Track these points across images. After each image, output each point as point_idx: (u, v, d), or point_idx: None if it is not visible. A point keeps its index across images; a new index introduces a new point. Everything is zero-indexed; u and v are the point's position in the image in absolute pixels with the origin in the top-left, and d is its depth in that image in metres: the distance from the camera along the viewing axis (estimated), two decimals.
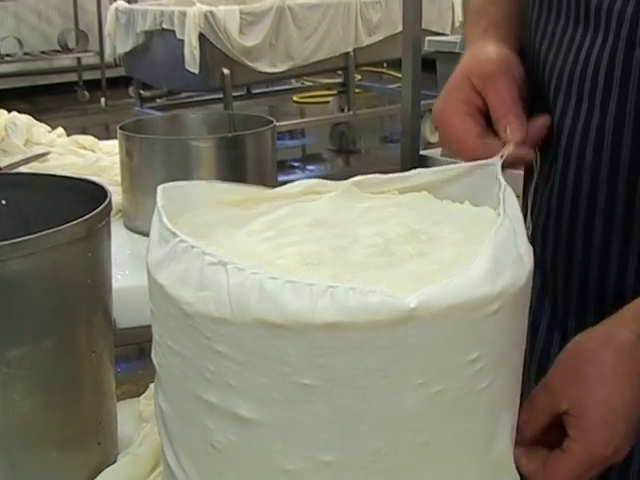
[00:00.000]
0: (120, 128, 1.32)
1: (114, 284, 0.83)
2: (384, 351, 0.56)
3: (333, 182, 0.79)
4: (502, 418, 0.64)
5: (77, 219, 0.73)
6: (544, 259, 0.86)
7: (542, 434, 0.69)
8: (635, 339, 0.69)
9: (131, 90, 6.33)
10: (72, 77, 7.09)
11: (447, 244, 0.68)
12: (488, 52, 0.83)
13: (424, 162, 3.17)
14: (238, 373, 0.58)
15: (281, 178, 1.43)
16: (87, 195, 0.82)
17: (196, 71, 4.86)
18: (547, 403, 0.69)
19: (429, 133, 4.85)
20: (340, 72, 5.58)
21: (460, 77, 0.82)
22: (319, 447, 0.58)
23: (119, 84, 6.77)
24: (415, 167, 0.82)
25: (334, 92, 5.85)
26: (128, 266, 1.15)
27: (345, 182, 0.79)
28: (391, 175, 0.80)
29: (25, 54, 6.73)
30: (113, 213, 0.82)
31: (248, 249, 0.67)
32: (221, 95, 4.94)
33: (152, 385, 0.92)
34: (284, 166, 4.99)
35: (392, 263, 0.65)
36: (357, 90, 5.57)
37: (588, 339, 0.70)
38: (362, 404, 0.57)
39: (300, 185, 0.78)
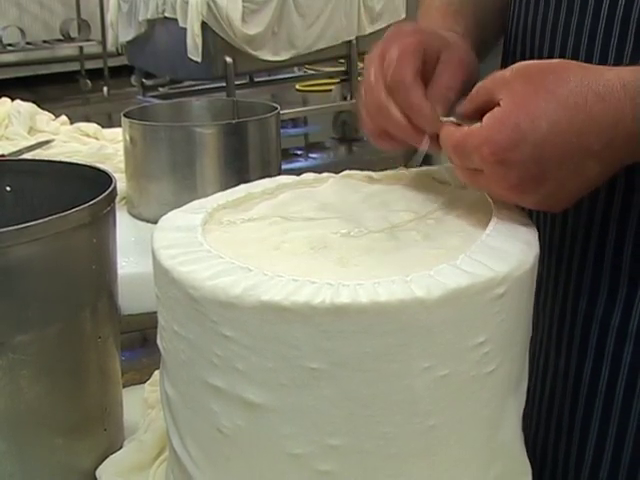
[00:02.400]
0: (124, 115, 1.32)
1: (118, 270, 0.83)
2: (391, 335, 0.55)
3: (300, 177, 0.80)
4: (508, 402, 0.64)
5: (82, 205, 0.73)
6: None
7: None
8: (616, 82, 0.65)
9: (133, 79, 6.32)
10: (74, 66, 7.07)
11: (452, 228, 0.68)
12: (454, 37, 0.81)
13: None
14: (245, 357, 0.57)
15: (284, 166, 1.42)
16: (92, 181, 0.82)
17: (198, 60, 4.85)
18: (490, 87, 0.68)
19: None
20: (343, 60, 5.57)
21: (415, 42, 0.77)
22: (326, 431, 0.58)
23: (121, 73, 6.76)
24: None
25: (337, 80, 5.84)
26: (132, 253, 1.15)
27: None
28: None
29: (27, 43, 6.72)
30: (117, 200, 0.82)
31: (253, 233, 0.67)
32: (224, 84, 4.94)
33: (157, 372, 0.93)
34: (287, 154, 4.98)
35: (398, 247, 0.65)
36: (360, 78, 5.55)
37: (575, 63, 0.68)
38: (369, 388, 0.57)
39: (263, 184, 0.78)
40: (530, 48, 0.84)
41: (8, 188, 0.88)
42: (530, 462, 0.70)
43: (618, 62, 0.73)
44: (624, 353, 0.78)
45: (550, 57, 0.80)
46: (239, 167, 1.28)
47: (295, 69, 6.03)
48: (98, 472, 0.79)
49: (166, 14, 5.01)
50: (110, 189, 0.77)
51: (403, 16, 4.28)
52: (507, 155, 0.64)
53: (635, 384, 0.78)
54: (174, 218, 0.70)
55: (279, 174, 0.81)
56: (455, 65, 0.76)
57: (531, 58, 0.82)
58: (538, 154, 0.64)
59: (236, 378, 0.59)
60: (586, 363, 0.81)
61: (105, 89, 6.72)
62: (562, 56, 0.78)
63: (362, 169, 0.81)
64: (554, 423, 0.86)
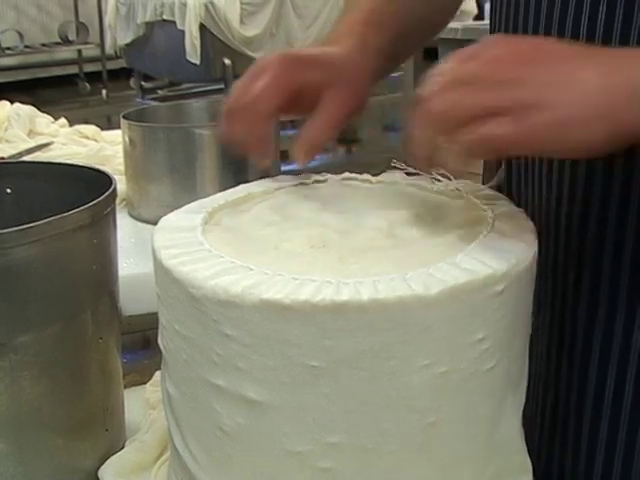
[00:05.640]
0: (123, 117, 1.32)
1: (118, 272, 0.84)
2: (390, 332, 0.56)
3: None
4: (508, 399, 0.64)
5: (82, 206, 0.73)
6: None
7: None
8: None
9: (132, 82, 6.33)
10: (73, 69, 7.08)
11: (451, 226, 0.68)
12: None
13: None
14: (246, 356, 0.58)
15: (283, 167, 1.42)
16: (92, 183, 0.82)
17: (197, 62, 4.86)
18: None
19: None
20: None
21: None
22: (326, 429, 0.58)
23: (120, 76, 6.77)
24: None
25: None
26: (132, 254, 1.15)
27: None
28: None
29: (26, 47, 6.73)
30: (117, 201, 0.82)
31: (252, 232, 0.68)
32: (222, 86, 4.95)
33: (158, 372, 0.93)
34: (286, 155, 4.97)
35: (397, 245, 0.65)
36: None
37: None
38: (368, 385, 0.57)
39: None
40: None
41: (8, 190, 0.88)
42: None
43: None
44: (629, 362, 0.78)
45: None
46: (238, 168, 1.28)
47: None
48: (100, 472, 0.79)
49: (164, 16, 5.02)
50: (110, 190, 0.78)
51: None
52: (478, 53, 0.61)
53: None
54: (174, 218, 0.71)
55: (278, 175, 0.81)
56: (337, 106, 0.77)
57: None
58: (517, 49, 0.61)
59: (237, 377, 0.59)
60: (589, 372, 0.81)
61: (104, 92, 6.73)
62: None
63: (361, 170, 0.81)
64: (558, 440, 0.85)
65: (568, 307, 0.81)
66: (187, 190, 1.26)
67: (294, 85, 0.76)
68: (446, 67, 0.62)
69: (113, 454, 0.81)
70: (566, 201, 0.79)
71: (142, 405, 0.92)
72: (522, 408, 0.68)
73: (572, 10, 0.74)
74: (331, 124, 0.78)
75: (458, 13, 0.99)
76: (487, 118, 0.58)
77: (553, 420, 0.85)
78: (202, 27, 4.78)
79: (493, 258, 0.60)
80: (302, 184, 0.79)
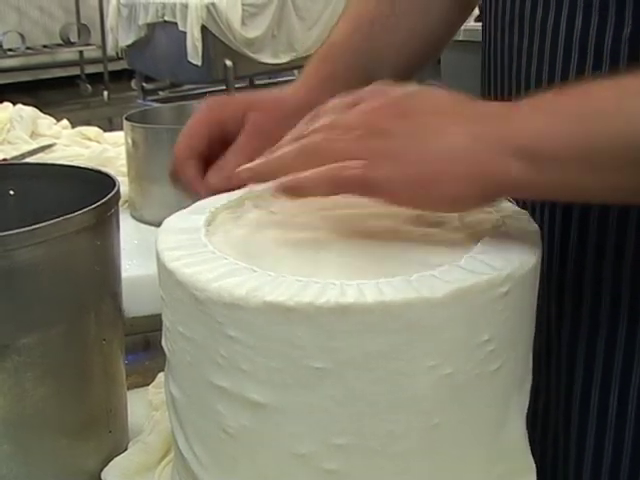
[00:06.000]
0: (126, 118, 1.32)
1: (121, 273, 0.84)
2: (395, 334, 0.56)
3: None
4: (512, 400, 0.64)
5: (85, 208, 0.73)
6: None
7: None
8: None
9: (133, 83, 6.34)
10: (74, 71, 7.09)
11: (455, 228, 0.68)
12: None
13: None
14: (250, 358, 0.58)
15: None
16: (95, 184, 0.82)
17: (198, 63, 4.87)
18: None
19: None
20: None
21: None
22: (331, 431, 0.58)
23: (121, 77, 6.78)
24: None
25: None
26: (135, 255, 1.15)
27: None
28: None
29: (27, 48, 6.74)
30: (120, 203, 0.82)
31: (256, 234, 0.68)
32: (224, 87, 4.96)
33: (161, 374, 0.93)
34: None
35: (401, 247, 0.65)
36: None
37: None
38: (374, 387, 0.57)
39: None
40: (508, 74, 0.84)
41: (11, 192, 0.89)
42: None
43: None
44: (614, 364, 0.78)
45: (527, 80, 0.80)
46: None
47: (295, 72, 6.05)
48: (103, 474, 0.79)
49: (166, 18, 5.03)
50: (114, 191, 0.78)
51: None
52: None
53: (627, 395, 0.78)
54: (177, 220, 0.71)
55: None
56: (249, 134, 0.80)
57: (509, 83, 0.83)
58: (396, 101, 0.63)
59: (241, 378, 0.59)
60: (575, 376, 0.81)
61: (105, 93, 6.74)
62: (538, 80, 0.79)
63: None
64: (550, 438, 0.85)
65: (553, 316, 0.82)
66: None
67: (218, 122, 0.81)
68: (328, 109, 0.66)
69: (116, 456, 0.81)
70: (547, 207, 0.80)
71: (145, 407, 0.92)
72: (526, 408, 0.68)
73: (552, 13, 0.75)
74: (245, 149, 0.80)
75: None
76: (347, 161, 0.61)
77: (545, 420, 0.86)
78: (204, 28, 4.79)
79: (497, 260, 0.60)
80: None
